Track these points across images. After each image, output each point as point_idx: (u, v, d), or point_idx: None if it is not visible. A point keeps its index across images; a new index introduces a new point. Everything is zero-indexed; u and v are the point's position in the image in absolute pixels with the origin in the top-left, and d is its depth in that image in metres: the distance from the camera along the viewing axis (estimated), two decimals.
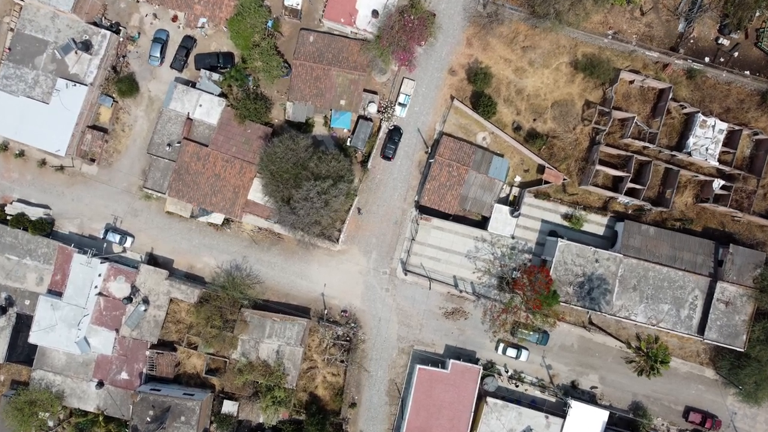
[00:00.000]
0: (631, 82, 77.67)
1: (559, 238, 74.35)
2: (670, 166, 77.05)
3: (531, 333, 76.23)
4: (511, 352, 77.52)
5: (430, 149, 78.04)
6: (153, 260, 77.95)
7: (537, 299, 71.43)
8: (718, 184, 75.53)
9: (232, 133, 75.50)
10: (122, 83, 76.29)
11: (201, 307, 74.49)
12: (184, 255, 78.15)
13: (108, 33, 75.60)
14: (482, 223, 78.63)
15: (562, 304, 73.90)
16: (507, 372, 78.02)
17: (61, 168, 77.54)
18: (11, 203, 77.09)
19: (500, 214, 76.51)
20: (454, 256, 77.75)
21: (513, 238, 77.09)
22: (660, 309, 74.82)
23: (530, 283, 72.25)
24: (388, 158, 77.62)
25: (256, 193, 75.26)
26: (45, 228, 75.78)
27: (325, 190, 69.45)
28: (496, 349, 78.04)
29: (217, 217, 77.27)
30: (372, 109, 76.67)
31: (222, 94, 76.53)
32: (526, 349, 77.99)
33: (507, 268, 76.86)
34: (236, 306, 75.33)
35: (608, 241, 78.43)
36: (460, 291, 77.32)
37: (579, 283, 74.56)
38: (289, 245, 77.75)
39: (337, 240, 76.56)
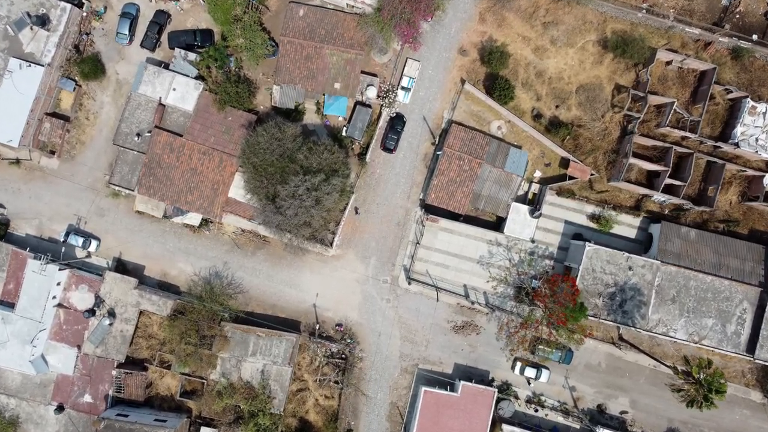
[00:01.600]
0: (668, 63, 67.53)
1: (586, 242, 64.25)
2: (714, 160, 66.89)
3: (553, 351, 66.11)
4: (530, 372, 67.54)
5: (437, 140, 68.10)
6: (121, 266, 68.18)
7: (562, 313, 61.42)
8: None
9: (210, 122, 65.67)
10: (85, 64, 66.48)
11: (175, 321, 64.79)
12: (157, 261, 68.37)
13: (68, 6, 65.80)
14: (497, 224, 68.66)
15: (589, 318, 63.83)
16: (525, 395, 68.03)
17: (17, 161, 67.81)
18: None
19: (518, 215, 66.47)
20: (465, 263, 67.77)
21: (533, 242, 67.01)
22: (703, 324, 64.70)
23: (553, 294, 62.24)
24: (389, 150, 67.68)
25: (238, 189, 65.38)
26: None
27: (316, 186, 59.48)
28: (513, 368, 68.10)
29: (194, 218, 67.44)
30: (371, 93, 66.67)
31: (199, 77, 66.68)
32: (547, 368, 68.01)
33: (526, 277, 66.80)
34: (215, 319, 65.66)
35: (641, 245, 68.36)
36: (472, 302, 67.31)
37: (609, 294, 64.46)
38: (276, 250, 67.85)
39: (331, 244, 66.66)
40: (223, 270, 68.40)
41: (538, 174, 68.50)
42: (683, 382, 58.79)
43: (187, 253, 68.44)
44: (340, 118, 68.00)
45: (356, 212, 67.82)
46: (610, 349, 69.06)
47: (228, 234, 68.52)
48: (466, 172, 65.44)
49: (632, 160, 65.40)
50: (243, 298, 68.32)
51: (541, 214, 65.89)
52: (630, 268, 64.21)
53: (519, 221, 66.43)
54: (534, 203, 67.93)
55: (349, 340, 67.69)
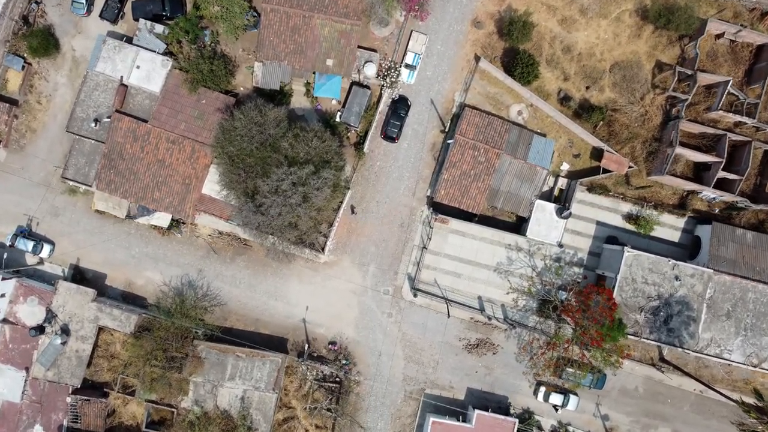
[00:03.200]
0: (719, 36, 57.19)
1: (624, 247, 53.92)
2: None
3: (585, 374, 55.72)
4: (556, 398, 57.29)
5: (447, 127, 57.89)
6: (79, 275, 58.17)
7: (596, 331, 51.17)
8: None
9: (181, 105, 55.64)
10: (35, 38, 56.44)
11: (140, 339, 54.89)
12: (121, 268, 58.33)
13: None
14: (518, 226, 58.44)
15: (629, 337, 53.58)
16: (550, 425, 57.80)
17: None
18: None
19: (543, 214, 56.19)
20: (480, 271, 57.57)
21: (560, 246, 56.69)
22: (763, 344, 54.36)
23: (586, 308, 52.00)
24: (391, 139, 57.52)
25: (213, 185, 55.26)
26: None
27: (304, 180, 49.33)
28: (536, 394, 57.92)
29: (163, 218, 57.36)
30: (370, 72, 56.46)
31: (168, 53, 56.65)
32: (575, 394, 57.77)
33: (551, 288, 56.51)
34: (187, 337, 55.68)
35: (685, 250, 58.09)
36: (489, 317, 57.01)
37: (652, 309, 54.18)
38: (259, 256, 57.72)
39: (323, 249, 56.53)
40: (198, 279, 58.38)
41: (565, 167, 58.26)
42: (756, 420, 48.13)
43: (156, 259, 58.38)
44: (334, 102, 57.83)
45: (352, 211, 57.70)
46: (649, 372, 58.79)
47: (203, 237, 58.44)
48: (481, 164, 55.22)
49: (679, 150, 55.04)
50: (220, 312, 58.29)
51: (570, 214, 55.57)
52: (677, 278, 53.91)
53: (544, 222, 56.14)
54: (561, 201, 57.65)
55: (344, 361, 57.60)
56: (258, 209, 49.75)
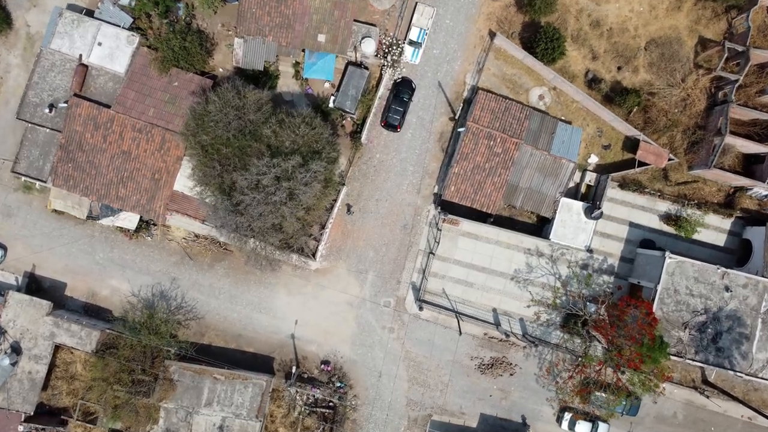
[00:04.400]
0: None
1: (666, 253, 45.85)
2: None
3: (620, 400, 47.56)
4: (583, 427, 49.29)
5: (458, 114, 49.90)
6: (35, 284, 50.34)
7: (635, 352, 43.17)
8: None
9: (149, 88, 47.79)
10: None
11: (103, 359, 47.16)
12: (83, 276, 50.48)
13: None
14: (539, 228, 50.47)
15: (671, 358, 45.57)
16: None
17: None
18: None
19: (569, 215, 48.17)
20: (495, 279, 49.63)
21: (590, 251, 48.65)
22: None
23: (623, 324, 43.99)
24: (393, 127, 49.59)
25: (187, 180, 47.40)
26: None
27: (290, 174, 41.37)
28: (559, 421, 49.94)
29: (130, 219, 49.49)
30: (368, 49, 48.52)
31: (135, 28, 48.80)
32: (605, 422, 49.76)
33: (579, 299, 48.47)
34: (158, 356, 47.93)
35: (732, 256, 50.08)
36: (506, 334, 48.96)
37: (698, 325, 46.12)
38: (242, 262, 49.73)
39: (314, 254, 48.60)
40: (171, 289, 50.52)
41: (593, 159, 50.25)
42: None
43: (123, 266, 50.51)
44: (327, 84, 49.89)
45: (348, 211, 49.76)
46: (689, 395, 50.72)
47: (176, 241, 50.55)
48: (497, 156, 47.22)
49: (728, 140, 46.98)
50: (196, 327, 50.41)
51: (602, 214, 47.49)
52: (727, 289, 45.85)
53: (571, 223, 48.09)
54: (589, 199, 49.61)
55: (338, 384, 49.67)
56: (235, 208, 41.80)
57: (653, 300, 45.46)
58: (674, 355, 45.71)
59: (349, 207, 49.76)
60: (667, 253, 45.64)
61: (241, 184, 41.04)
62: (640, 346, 43.18)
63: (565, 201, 47.94)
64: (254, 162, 41.00)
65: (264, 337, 50.38)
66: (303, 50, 48.40)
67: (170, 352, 48.18)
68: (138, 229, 49.74)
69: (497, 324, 49.77)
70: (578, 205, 48.02)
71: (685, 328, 45.88)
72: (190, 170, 45.79)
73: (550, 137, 47.62)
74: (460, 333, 47.09)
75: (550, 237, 48.05)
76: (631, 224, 50.13)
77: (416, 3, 49.60)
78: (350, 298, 50.12)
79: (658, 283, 45.46)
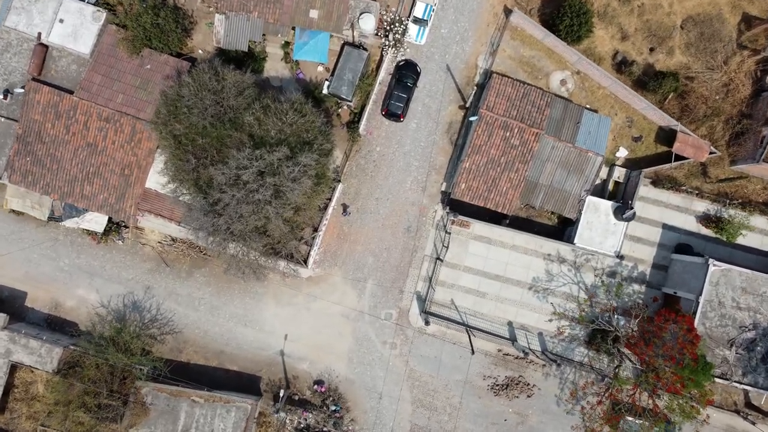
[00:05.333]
0: None
1: (710, 260, 39.59)
2: None
3: (660, 428, 41.14)
4: None
5: (469, 101, 43.71)
6: None
7: (675, 374, 36.95)
8: None
9: (118, 71, 41.69)
10: None
11: (65, 379, 41.10)
12: (45, 285, 44.37)
13: None
14: (560, 230, 44.28)
15: (715, 380, 39.31)
16: None
17: None
18: None
19: (596, 216, 41.94)
20: (511, 289, 43.48)
21: (620, 258, 42.38)
22: None
23: (661, 342, 37.77)
24: (395, 116, 43.42)
25: (161, 177, 41.26)
26: None
27: (275, 168, 35.17)
28: None
29: (97, 221, 43.35)
30: (367, 26, 42.32)
31: (102, 3, 42.68)
32: None
33: (608, 312, 42.23)
34: (127, 377, 41.84)
35: None
36: (524, 352, 42.67)
37: (746, 343, 39.86)
38: (222, 270, 43.63)
39: (305, 261, 42.43)
40: (144, 299, 44.42)
41: (622, 153, 44.04)
42: None
43: (90, 273, 44.41)
44: (320, 68, 43.74)
45: (344, 212, 43.61)
46: (731, 420, 44.42)
47: (151, 245, 44.43)
48: (514, 148, 41.00)
49: None
50: (173, 342, 44.30)
51: (635, 215, 41.21)
52: None
53: (598, 226, 41.85)
54: (619, 198, 43.38)
55: (333, 407, 43.50)
56: (213, 208, 35.62)
57: (694, 314, 39.22)
58: (719, 377, 39.47)
59: (345, 207, 43.61)
60: (711, 260, 39.37)
61: (218, 179, 34.86)
62: (681, 367, 36.99)
63: (591, 200, 41.71)
64: (233, 154, 34.80)
65: (249, 353, 44.22)
66: (293, 28, 42.24)
67: (142, 371, 42.06)
68: (107, 232, 43.60)
69: (513, 339, 43.59)
70: (607, 205, 41.78)
71: (732, 346, 39.61)
72: (162, 164, 39.60)
73: (575, 127, 41.41)
74: (473, 351, 40.86)
75: (575, 241, 41.78)
76: (665, 226, 43.89)
77: None
78: (347, 310, 43.95)
79: (700, 295, 39.20)
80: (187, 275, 44.42)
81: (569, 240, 42.73)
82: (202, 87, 36.25)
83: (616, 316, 41.20)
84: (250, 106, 36.44)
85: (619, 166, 43.85)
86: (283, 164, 35.08)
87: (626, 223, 41.48)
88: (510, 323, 43.88)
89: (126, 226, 44.07)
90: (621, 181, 43.50)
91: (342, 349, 44.05)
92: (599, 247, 41.85)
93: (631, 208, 40.68)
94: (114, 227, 43.82)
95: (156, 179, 41.41)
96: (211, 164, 36.29)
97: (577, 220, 41.88)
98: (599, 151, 41.27)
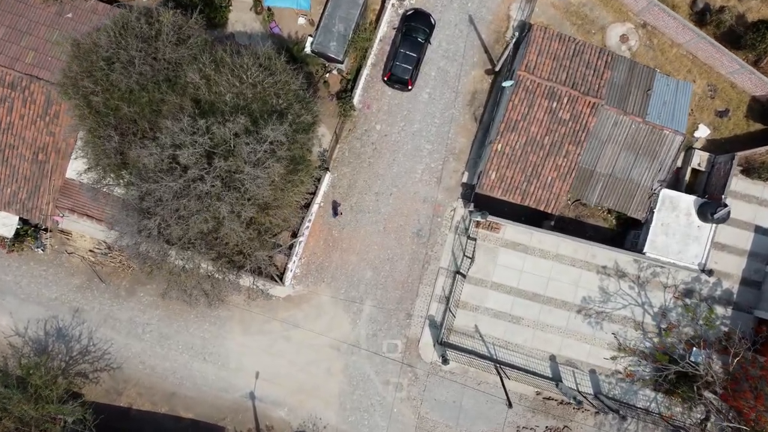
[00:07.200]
0: None
1: None
2: None
3: None
4: None
5: (499, 63, 32.22)
6: None
7: None
8: None
9: (28, 21, 30.34)
10: None
11: None
12: None
13: None
14: (620, 234, 32.82)
15: None
16: None
17: None
18: None
19: (674, 215, 30.42)
20: (554, 312, 32.08)
21: (708, 273, 30.80)
22: None
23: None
24: (402, 84, 31.94)
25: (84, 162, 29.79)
26: None
27: (231, 147, 23.72)
28: None
29: (4, 222, 32.01)
30: None
31: None
32: None
33: (692, 344, 30.71)
34: (53, 425, 30.60)
35: None
36: (576, 401, 31.00)
37: None
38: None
39: (281, 276, 31.00)
40: (72, 325, 33.16)
41: (703, 132, 32.54)
42: None
43: (1, 291, 33.19)
44: (301, 19, 32.30)
45: (335, 212, 32.17)
46: None
47: (81, 255, 33.11)
48: (564, 124, 29.53)
49: None
50: (110, 382, 32.99)
51: (729, 213, 29.61)
52: None
53: (677, 229, 30.30)
54: (701, 192, 31.87)
55: None
56: (140, 205, 24.15)
57: None
58: None
59: (336, 205, 32.24)
60: None
61: (145, 162, 23.40)
62: None
63: (667, 194, 30.19)
64: (167, 126, 23.35)
65: (209, 396, 32.86)
66: None
67: (66, 422, 30.78)
68: (19, 237, 32.30)
69: (557, 379, 32.17)
70: (688, 201, 30.25)
71: None
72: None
73: (645, 96, 29.93)
74: (510, 404, 29.23)
75: (645, 250, 30.23)
76: (758, 229, 32.44)
77: None
78: (336, 341, 32.56)
79: None
80: (128, 294, 33.10)
81: (633, 248, 31.30)
82: (127, 33, 24.79)
83: (703, 352, 29.65)
84: (196, 59, 24.99)
85: (699, 149, 32.38)
86: (241, 141, 23.61)
87: (715, 225, 29.96)
88: (552, 357, 32.48)
89: (46, 230, 32.77)
90: (702, 168, 32.00)
91: (331, 392, 32.67)
92: (677, 257, 30.32)
93: (725, 206, 29.12)
94: (30, 231, 32.50)
95: (80, 166, 30.01)
96: (141, 142, 24.85)
97: (647, 221, 30.40)
98: (678, 127, 29.77)
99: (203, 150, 23.33)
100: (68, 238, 33.06)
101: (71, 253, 33.12)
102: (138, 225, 23.81)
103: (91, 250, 33.08)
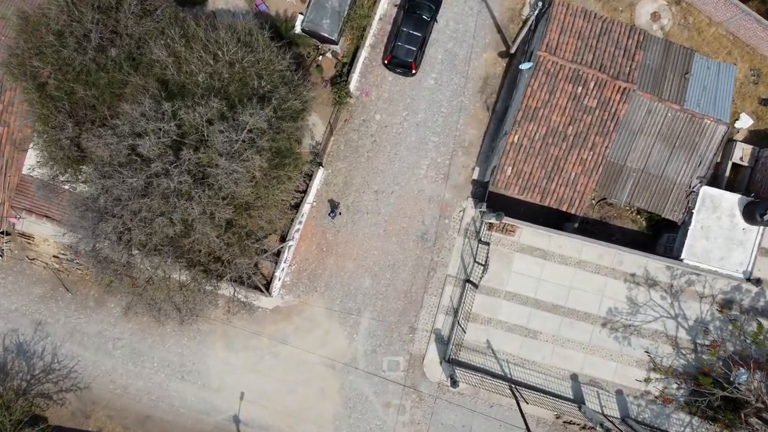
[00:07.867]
0: None
1: None
2: None
3: None
4: None
5: (515, 45, 28.30)
6: None
7: None
8: None
9: None
10: None
11: None
12: None
13: None
14: (651, 237, 28.91)
15: None
16: None
17: None
18: None
19: (714, 216, 26.52)
20: (576, 326, 28.19)
21: (756, 282, 26.88)
22: None
23: None
24: (404, 68, 28.03)
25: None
26: None
27: (204, 135, 19.85)
28: None
29: None
30: None
31: None
32: None
33: (738, 363, 26.81)
34: None
35: None
36: (605, 429, 27.09)
37: None
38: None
39: (268, 285, 27.11)
40: (35, 340, 29.37)
41: (745, 122, 28.63)
42: None
43: None
44: None
45: (332, 212, 28.27)
46: None
47: (44, 261, 29.27)
48: (590, 113, 25.60)
49: None
50: (77, 404, 29.17)
51: None
52: None
53: (718, 232, 26.38)
54: (745, 190, 27.97)
55: None
56: (95, 205, 20.25)
57: None
58: None
59: (333, 205, 28.36)
60: None
61: (100, 153, 19.50)
62: None
63: (708, 192, 26.28)
64: (126, 111, 19.45)
65: (189, 419, 29.02)
66: None
67: None
68: None
69: (579, 401, 28.28)
70: (732, 200, 26.32)
71: None
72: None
73: (683, 80, 26.01)
74: (529, 431, 25.34)
75: (682, 256, 26.31)
76: None
77: None
78: (331, 358, 28.69)
79: None
80: (97, 305, 29.26)
81: (668, 253, 27.39)
82: (81, 0, 20.87)
83: (750, 374, 25.73)
84: (164, 33, 21.07)
85: (740, 141, 28.48)
86: (215, 129, 19.69)
87: (763, 228, 26.05)
88: (574, 377, 28.58)
89: (4, 233, 28.91)
90: (745, 163, 28.08)
91: (325, 414, 28.80)
92: (719, 264, 26.40)
93: None
94: None
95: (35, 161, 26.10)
96: (97, 131, 20.92)
97: (684, 223, 26.49)
98: (721, 116, 25.83)
99: (169, 139, 19.42)
100: (30, 243, 29.19)
101: (33, 259, 29.27)
102: (94, 228, 19.87)
103: (55, 256, 29.23)
